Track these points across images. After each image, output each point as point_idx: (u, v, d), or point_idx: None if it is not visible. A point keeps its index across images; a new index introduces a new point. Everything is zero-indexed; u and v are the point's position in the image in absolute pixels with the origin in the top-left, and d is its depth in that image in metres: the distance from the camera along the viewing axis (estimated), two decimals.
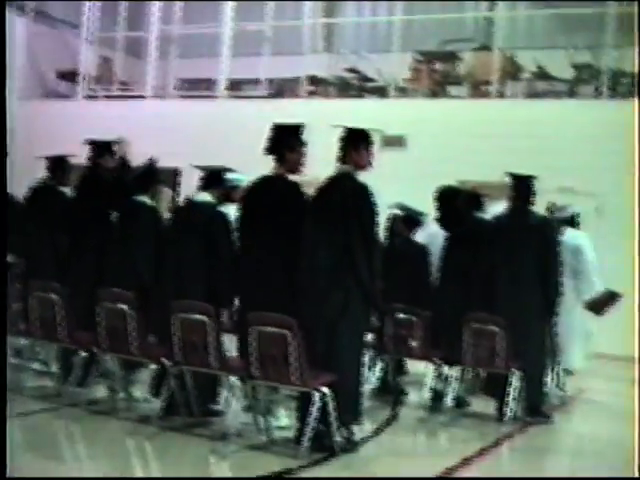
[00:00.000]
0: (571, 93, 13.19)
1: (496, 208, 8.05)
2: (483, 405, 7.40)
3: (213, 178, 6.57)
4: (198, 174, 6.63)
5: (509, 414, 6.79)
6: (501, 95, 13.47)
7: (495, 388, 7.15)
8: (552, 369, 7.82)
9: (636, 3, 11.49)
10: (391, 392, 7.60)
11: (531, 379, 7.07)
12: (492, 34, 13.93)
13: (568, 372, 8.35)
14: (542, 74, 13.37)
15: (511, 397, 6.78)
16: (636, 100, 11.66)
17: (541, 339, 7.29)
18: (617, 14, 12.74)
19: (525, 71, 13.54)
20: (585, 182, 11.39)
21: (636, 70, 12.53)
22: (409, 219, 8.04)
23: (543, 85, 13.35)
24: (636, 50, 11.36)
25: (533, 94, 13.32)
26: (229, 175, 6.80)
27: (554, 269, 7.26)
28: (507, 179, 7.42)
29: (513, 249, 7.23)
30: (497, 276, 7.21)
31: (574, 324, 8.12)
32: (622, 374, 10.02)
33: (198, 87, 15.30)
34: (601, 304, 8.33)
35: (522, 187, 7.36)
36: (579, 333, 8.32)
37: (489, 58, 13.46)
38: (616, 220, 11.40)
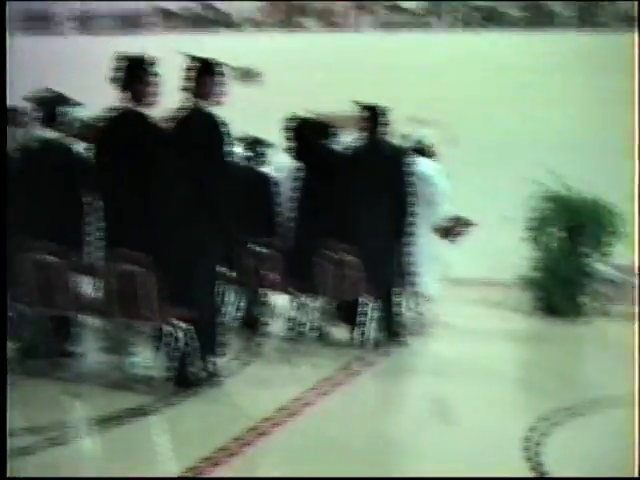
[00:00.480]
0: (423, 24, 13.37)
1: (347, 138, 8.15)
2: (342, 333, 7.58)
3: (52, 113, 6.35)
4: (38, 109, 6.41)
5: (367, 340, 6.97)
6: (355, 27, 13.52)
7: (353, 315, 7.32)
8: (409, 294, 8.06)
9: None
10: (252, 325, 7.67)
11: (387, 305, 7.28)
12: None
13: (424, 297, 8.62)
14: (394, 6, 13.48)
15: (367, 323, 6.95)
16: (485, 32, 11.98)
17: (396, 266, 7.48)
18: None
19: (378, 3, 13.62)
20: (438, 113, 11.63)
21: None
22: (254, 150, 8.01)
23: (396, 17, 13.46)
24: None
25: (386, 25, 13.42)
26: (71, 109, 6.58)
27: (407, 197, 7.45)
28: (359, 110, 7.51)
29: (367, 178, 7.33)
30: (352, 205, 7.31)
31: (428, 250, 8.36)
32: (475, 297, 10.44)
33: (42, 23, 14.65)
34: (451, 230, 8.61)
35: (374, 117, 7.46)
36: (433, 259, 8.57)
37: None
38: (468, 150, 11.74)
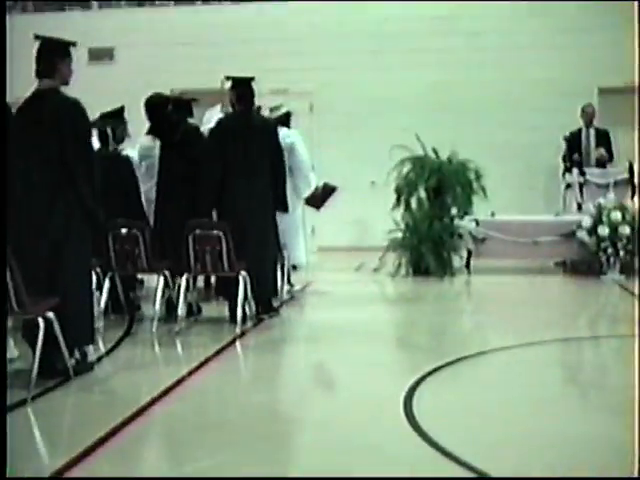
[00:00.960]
0: None
1: (210, 113, 8.06)
2: (218, 309, 7.52)
3: None
4: None
5: (241, 314, 6.93)
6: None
7: (226, 290, 7.27)
8: (280, 265, 8.06)
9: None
10: (124, 309, 7.51)
11: (261, 277, 7.24)
12: None
13: (295, 267, 8.65)
14: None
15: (241, 297, 6.91)
16: None
17: (271, 238, 7.47)
18: None
19: None
20: (302, 83, 11.66)
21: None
22: (103, 132, 7.76)
23: None
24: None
25: None
26: None
27: (282, 168, 7.46)
28: (226, 83, 7.46)
29: (242, 152, 7.24)
30: (228, 179, 7.22)
31: (297, 221, 8.39)
32: (342, 265, 10.54)
33: None
34: (319, 199, 8.66)
35: (242, 90, 7.40)
36: (302, 229, 8.61)
37: None
38: (327, 116, 11.83)
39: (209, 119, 8.21)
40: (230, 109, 7.55)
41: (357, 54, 12.38)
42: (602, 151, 10.81)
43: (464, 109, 12.19)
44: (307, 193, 8.42)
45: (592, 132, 11.12)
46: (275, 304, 7.63)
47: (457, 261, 10.08)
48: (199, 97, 8.31)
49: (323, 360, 6.32)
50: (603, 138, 11.05)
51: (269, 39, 12.35)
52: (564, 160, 10.94)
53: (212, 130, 7.48)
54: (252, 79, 7.43)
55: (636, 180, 10.24)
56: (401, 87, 12.32)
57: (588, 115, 11.16)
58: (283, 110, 8.60)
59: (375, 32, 12.39)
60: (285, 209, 7.51)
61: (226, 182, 7.22)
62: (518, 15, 12.40)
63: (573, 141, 10.99)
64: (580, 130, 11.12)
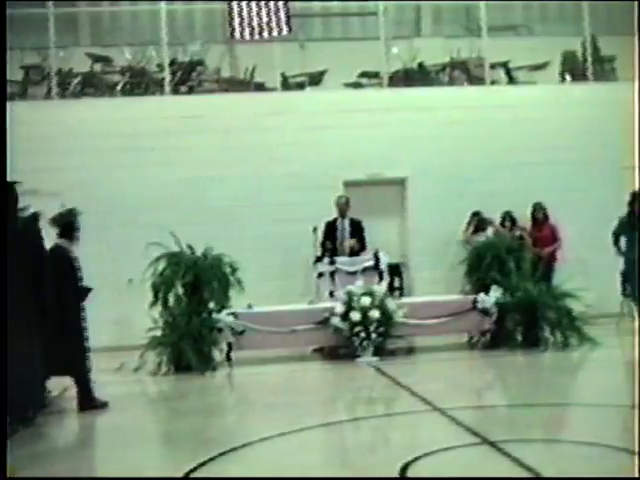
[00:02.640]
0: (22, 94, 13.11)
1: None
2: None
3: None
4: None
5: None
6: None
7: None
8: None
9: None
10: None
11: (12, 387, 6.90)
12: None
13: None
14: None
15: None
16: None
17: (30, 347, 7.21)
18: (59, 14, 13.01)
19: None
20: (47, 182, 11.42)
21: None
22: None
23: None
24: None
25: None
26: None
27: (46, 275, 7.36)
28: None
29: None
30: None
31: None
32: (103, 365, 10.21)
33: None
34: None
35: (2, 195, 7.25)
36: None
37: None
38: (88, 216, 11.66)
39: None
40: None
41: (108, 152, 12.35)
42: (353, 242, 11.39)
43: (217, 204, 12.46)
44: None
45: (346, 222, 11.69)
46: (29, 413, 7.27)
47: (218, 355, 10.11)
48: None
49: (80, 468, 6.09)
50: (356, 227, 11.65)
51: (17, 137, 12.05)
52: (321, 247, 11.35)
53: None
54: (15, 183, 7.27)
55: (382, 266, 10.86)
56: (153, 184, 12.42)
57: (340, 206, 11.76)
58: (30, 211, 8.39)
59: (126, 130, 12.45)
60: (51, 315, 7.34)
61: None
62: (265, 112, 12.92)
63: (329, 230, 11.51)
64: (336, 220, 11.66)
